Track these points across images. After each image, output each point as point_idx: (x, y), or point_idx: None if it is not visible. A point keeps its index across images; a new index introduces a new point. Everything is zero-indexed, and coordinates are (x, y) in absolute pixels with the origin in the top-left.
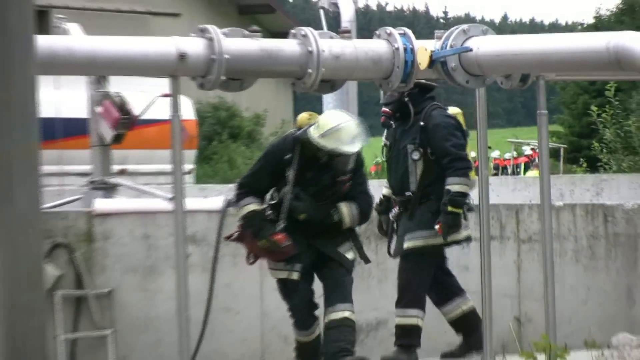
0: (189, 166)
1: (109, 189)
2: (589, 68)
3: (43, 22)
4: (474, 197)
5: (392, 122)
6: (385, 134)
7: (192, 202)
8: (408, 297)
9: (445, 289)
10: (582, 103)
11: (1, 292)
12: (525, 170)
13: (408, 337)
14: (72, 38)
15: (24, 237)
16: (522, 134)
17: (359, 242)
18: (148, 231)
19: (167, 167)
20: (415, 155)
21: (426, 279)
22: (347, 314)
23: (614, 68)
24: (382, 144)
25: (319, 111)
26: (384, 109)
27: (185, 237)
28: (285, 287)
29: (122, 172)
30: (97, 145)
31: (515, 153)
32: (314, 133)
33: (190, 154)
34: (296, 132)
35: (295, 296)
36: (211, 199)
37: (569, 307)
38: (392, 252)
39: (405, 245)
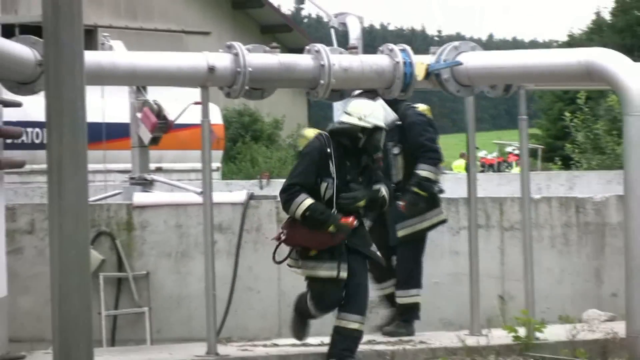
0: (216, 164)
1: (146, 185)
2: (563, 79)
3: (91, 39)
4: (463, 190)
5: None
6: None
7: (219, 196)
8: (410, 280)
9: (390, 269)
10: (557, 109)
11: (52, 275)
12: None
13: (409, 313)
14: (115, 53)
15: (72, 226)
16: (505, 136)
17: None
18: (180, 221)
19: (198, 165)
20: (396, 150)
21: (421, 259)
22: (357, 325)
23: (584, 79)
24: None
25: (330, 117)
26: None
27: (212, 226)
28: (326, 285)
29: (158, 170)
30: (137, 146)
31: (498, 153)
32: (352, 120)
33: (218, 154)
34: (327, 129)
35: (335, 294)
36: (236, 192)
37: (545, 286)
38: (390, 241)
39: (399, 234)
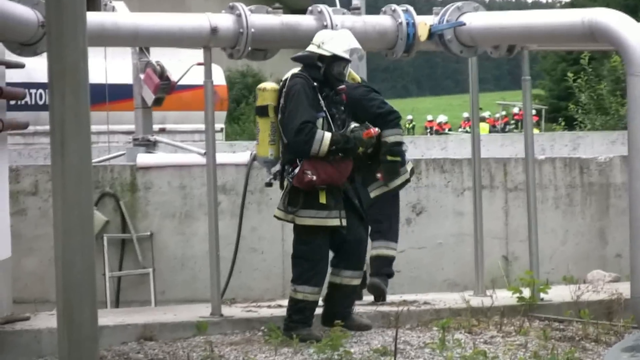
0: (220, 125)
1: (150, 146)
2: (567, 40)
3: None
4: (467, 151)
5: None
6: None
7: (222, 157)
8: (390, 232)
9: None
10: (561, 70)
11: (56, 236)
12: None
13: (389, 266)
14: (118, 14)
15: (75, 187)
16: (509, 97)
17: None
18: (184, 182)
19: (201, 127)
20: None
21: (398, 214)
22: (356, 282)
23: (588, 40)
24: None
25: None
26: (343, 87)
27: (216, 187)
28: (325, 235)
29: (162, 131)
30: (140, 107)
31: (504, 112)
32: (311, 47)
33: (221, 115)
34: (298, 71)
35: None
36: (239, 153)
37: (549, 247)
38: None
39: (372, 194)
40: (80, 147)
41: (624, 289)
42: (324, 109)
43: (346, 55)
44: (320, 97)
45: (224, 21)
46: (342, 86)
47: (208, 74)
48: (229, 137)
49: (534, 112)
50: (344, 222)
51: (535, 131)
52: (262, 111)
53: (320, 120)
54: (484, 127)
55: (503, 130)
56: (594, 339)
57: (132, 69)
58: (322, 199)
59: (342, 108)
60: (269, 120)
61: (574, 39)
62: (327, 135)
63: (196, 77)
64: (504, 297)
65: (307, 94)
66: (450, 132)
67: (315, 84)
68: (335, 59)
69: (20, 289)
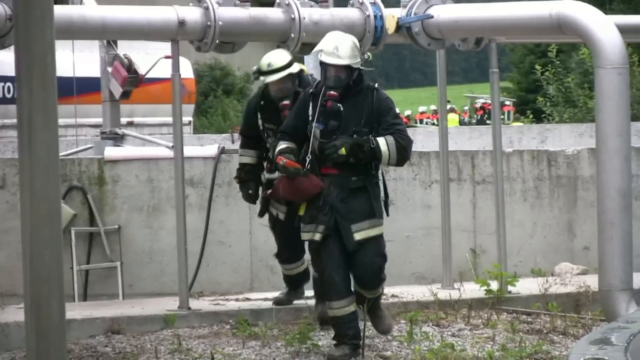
0: (188, 118)
1: (117, 139)
2: (535, 32)
3: None
4: (434, 144)
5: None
6: (317, 116)
7: (190, 150)
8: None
9: (301, 249)
10: (529, 63)
11: (23, 229)
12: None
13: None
14: (85, 7)
15: (43, 181)
16: (477, 89)
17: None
18: (152, 175)
19: (169, 120)
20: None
21: None
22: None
23: (556, 32)
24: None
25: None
26: (331, 92)
27: (184, 180)
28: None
29: (130, 124)
30: (108, 100)
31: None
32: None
33: (189, 108)
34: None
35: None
36: (207, 147)
37: (517, 240)
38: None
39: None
40: (48, 140)
41: (592, 281)
42: (310, 119)
43: (321, 58)
44: (310, 106)
45: (192, 14)
46: (332, 92)
47: (176, 67)
48: (197, 130)
49: (509, 102)
50: (317, 237)
51: (519, 123)
52: None
53: (315, 130)
54: (453, 118)
55: (470, 123)
56: (562, 332)
57: (100, 62)
58: (301, 211)
59: (339, 117)
60: None
61: (542, 31)
62: (278, 149)
63: (164, 70)
64: (472, 290)
65: (298, 104)
66: (417, 125)
67: (311, 92)
68: (321, 64)
69: None
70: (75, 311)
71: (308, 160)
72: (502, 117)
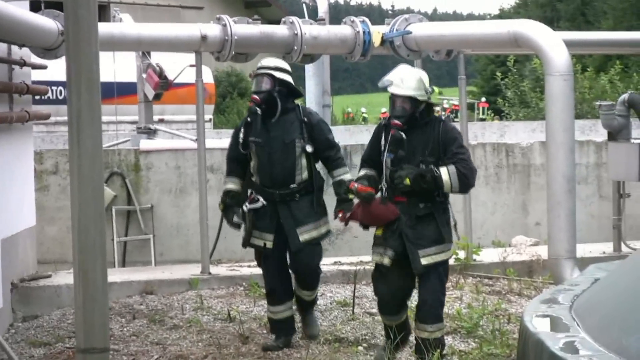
0: (208, 116)
1: (150, 133)
2: (496, 46)
3: (104, 13)
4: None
5: (258, 110)
6: (244, 129)
7: (210, 142)
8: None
9: (289, 287)
10: (490, 71)
11: (73, 208)
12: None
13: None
14: (124, 24)
15: (89, 168)
16: (447, 93)
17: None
18: (179, 163)
19: (193, 117)
20: (309, 149)
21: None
22: (438, 334)
23: (513, 46)
24: (243, 138)
25: (303, 77)
26: (395, 122)
27: (205, 167)
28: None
29: (161, 121)
30: (143, 101)
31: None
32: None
33: (210, 108)
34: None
35: (382, 286)
36: (224, 139)
37: (481, 217)
38: (291, 246)
39: (303, 238)
40: (93, 135)
41: (543, 251)
42: (382, 149)
43: (389, 89)
44: (383, 137)
45: (212, 30)
46: (396, 122)
47: (199, 74)
48: (216, 126)
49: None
50: (385, 261)
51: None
52: None
53: (386, 159)
54: None
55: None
56: (518, 293)
57: (136, 70)
58: (378, 232)
59: (403, 145)
60: None
61: (501, 45)
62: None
63: (189, 76)
64: None
65: (373, 135)
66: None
67: (384, 123)
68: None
69: (44, 252)
70: (115, 275)
71: (383, 188)
72: (477, 111)
